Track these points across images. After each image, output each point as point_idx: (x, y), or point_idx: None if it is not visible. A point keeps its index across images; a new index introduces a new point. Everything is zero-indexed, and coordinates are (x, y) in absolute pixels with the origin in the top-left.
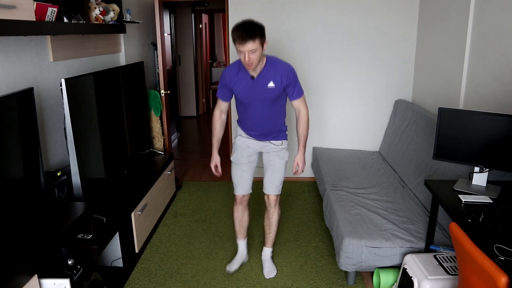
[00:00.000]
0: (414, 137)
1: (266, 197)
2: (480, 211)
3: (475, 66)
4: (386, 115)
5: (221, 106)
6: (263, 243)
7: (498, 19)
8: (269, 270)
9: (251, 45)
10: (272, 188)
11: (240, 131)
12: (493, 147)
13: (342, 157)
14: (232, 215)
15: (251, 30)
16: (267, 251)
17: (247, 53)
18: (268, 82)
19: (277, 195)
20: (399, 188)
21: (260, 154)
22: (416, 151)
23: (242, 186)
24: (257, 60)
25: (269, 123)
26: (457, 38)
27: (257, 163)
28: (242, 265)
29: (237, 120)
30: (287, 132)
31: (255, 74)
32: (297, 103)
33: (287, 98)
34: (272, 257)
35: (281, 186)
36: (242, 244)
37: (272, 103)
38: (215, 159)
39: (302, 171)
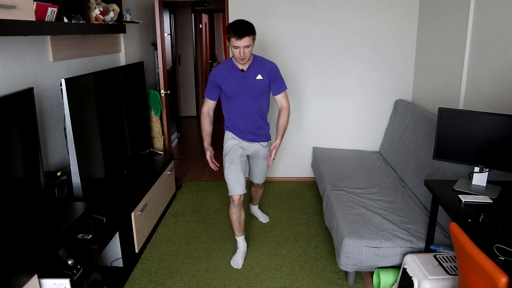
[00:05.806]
0: (414, 137)
1: (255, 184)
2: (480, 211)
3: (475, 66)
4: (386, 115)
5: (209, 104)
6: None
7: (498, 19)
8: (264, 217)
9: (246, 40)
10: (261, 179)
11: (231, 135)
12: (493, 147)
13: (342, 157)
14: (229, 217)
15: (246, 28)
16: (256, 207)
17: (242, 48)
18: (257, 75)
19: (264, 181)
20: (399, 188)
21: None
22: (416, 151)
23: (239, 186)
24: (249, 54)
25: (256, 117)
26: (457, 38)
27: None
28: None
29: (225, 126)
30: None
31: (244, 68)
32: (280, 97)
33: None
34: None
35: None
36: (242, 239)
37: (258, 96)
38: (209, 151)
39: (273, 159)
